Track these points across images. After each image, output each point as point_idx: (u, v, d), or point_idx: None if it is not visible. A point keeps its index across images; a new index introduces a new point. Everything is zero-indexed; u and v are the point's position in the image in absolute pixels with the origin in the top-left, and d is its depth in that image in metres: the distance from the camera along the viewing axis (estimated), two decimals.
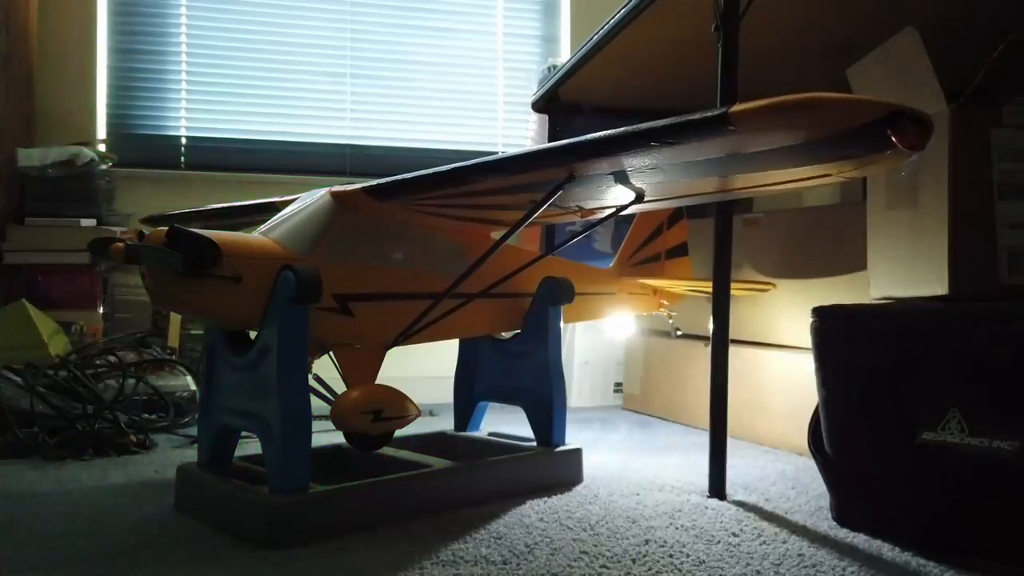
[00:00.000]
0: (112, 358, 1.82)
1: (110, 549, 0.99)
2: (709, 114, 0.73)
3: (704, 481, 1.31)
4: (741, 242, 1.73)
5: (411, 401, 1.16)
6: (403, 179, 1.08)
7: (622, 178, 0.94)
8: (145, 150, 2.48)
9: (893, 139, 0.71)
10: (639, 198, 1.03)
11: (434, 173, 1.03)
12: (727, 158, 0.82)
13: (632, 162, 0.86)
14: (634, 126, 0.80)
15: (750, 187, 1.00)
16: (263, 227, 1.18)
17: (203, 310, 1.07)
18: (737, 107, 0.71)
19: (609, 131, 0.82)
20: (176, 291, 1.03)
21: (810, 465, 1.48)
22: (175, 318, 2.21)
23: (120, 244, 1.03)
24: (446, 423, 1.58)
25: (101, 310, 2.20)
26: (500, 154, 0.98)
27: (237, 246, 1.07)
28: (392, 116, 2.66)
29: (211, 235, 1.04)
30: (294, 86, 2.61)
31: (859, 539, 1.06)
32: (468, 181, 1.00)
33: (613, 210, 1.11)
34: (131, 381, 1.76)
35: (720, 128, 0.73)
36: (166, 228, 1.02)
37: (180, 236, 1.01)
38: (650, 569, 0.94)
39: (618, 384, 2.40)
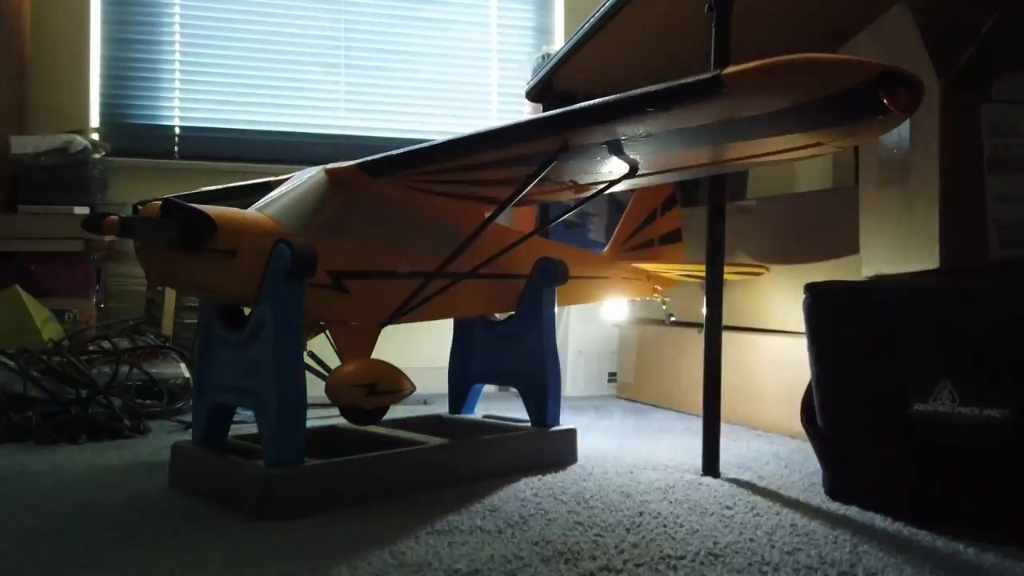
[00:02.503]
0: (106, 344, 1.82)
1: (105, 521, 0.99)
2: (703, 77, 0.74)
3: (697, 462, 1.32)
4: (733, 229, 1.73)
5: (406, 376, 1.16)
6: (398, 154, 1.08)
7: (616, 148, 0.95)
8: (138, 139, 2.48)
9: (884, 101, 0.71)
10: (633, 171, 1.03)
11: (429, 147, 1.03)
12: (720, 124, 0.83)
13: (627, 130, 0.87)
14: (629, 92, 0.81)
15: (743, 158, 1.01)
16: (258, 204, 1.19)
17: (197, 284, 1.07)
18: (730, 69, 0.72)
19: (604, 98, 0.83)
20: (170, 265, 1.03)
21: (803, 447, 1.49)
22: (169, 307, 2.21)
23: (114, 217, 1.03)
24: (441, 409, 1.58)
25: (95, 299, 2.19)
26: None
27: (232, 220, 1.07)
28: (386, 106, 2.66)
29: (206, 209, 1.05)
30: (288, 76, 2.61)
31: (852, 511, 1.07)
32: (463, 154, 1.01)
33: (607, 184, 1.11)
34: (124, 367, 1.75)
35: (714, 91, 0.74)
36: (160, 202, 1.03)
37: (174, 209, 1.02)
38: (644, 537, 0.94)
39: (612, 374, 2.41)
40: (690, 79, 0.75)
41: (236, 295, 1.09)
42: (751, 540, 0.93)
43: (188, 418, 1.75)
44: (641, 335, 2.24)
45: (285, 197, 1.18)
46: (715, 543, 0.92)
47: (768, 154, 0.96)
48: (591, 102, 0.84)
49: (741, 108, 0.77)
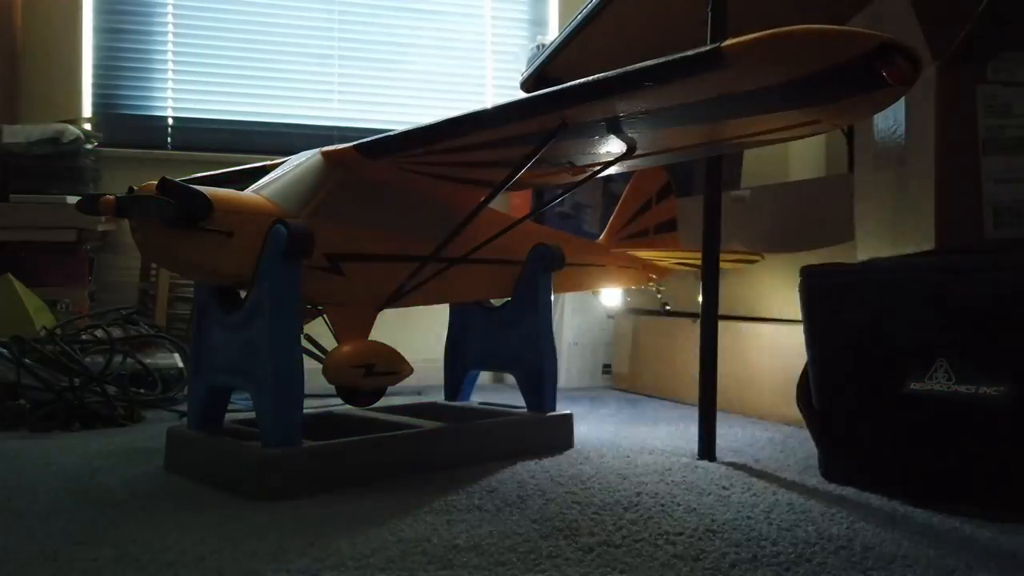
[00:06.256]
0: (100, 332, 1.81)
1: (101, 501, 0.99)
2: (702, 50, 0.74)
3: (693, 447, 1.32)
4: (728, 218, 1.74)
5: (403, 358, 1.16)
6: (395, 134, 1.08)
7: (614, 127, 0.95)
8: (131, 130, 2.46)
9: (883, 73, 0.72)
10: (631, 151, 1.03)
11: (427, 126, 1.03)
12: (719, 100, 0.83)
13: (625, 106, 0.87)
14: (628, 67, 0.81)
15: (740, 137, 1.01)
16: (254, 186, 1.18)
17: (193, 264, 1.06)
18: (730, 42, 0.72)
19: (603, 73, 0.83)
20: (166, 244, 1.03)
21: (799, 433, 1.50)
22: (162, 297, 2.20)
23: (110, 197, 1.02)
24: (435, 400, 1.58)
25: (88, 289, 2.17)
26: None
27: (228, 201, 1.06)
28: (380, 98, 2.66)
29: (201, 188, 1.04)
30: (282, 67, 2.60)
31: (848, 491, 1.07)
32: (461, 133, 1.01)
33: (604, 165, 1.11)
34: (118, 356, 1.74)
35: (713, 64, 0.74)
36: (156, 181, 1.02)
37: (170, 188, 1.01)
38: (642, 515, 0.94)
39: (607, 365, 2.41)
40: (690, 52, 0.75)
41: (232, 276, 1.09)
42: (748, 518, 0.94)
43: (183, 407, 1.75)
44: (636, 325, 2.24)
45: (281, 179, 1.18)
46: (713, 520, 0.92)
47: (766, 132, 0.96)
48: (590, 78, 0.84)
49: (740, 82, 0.77)
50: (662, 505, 0.99)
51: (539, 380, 1.39)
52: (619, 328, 2.33)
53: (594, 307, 2.36)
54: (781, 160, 2.80)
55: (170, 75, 2.52)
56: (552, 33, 2.81)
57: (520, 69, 2.56)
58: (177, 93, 2.52)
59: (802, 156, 2.75)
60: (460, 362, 1.54)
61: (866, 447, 1.09)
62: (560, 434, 1.39)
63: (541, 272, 1.41)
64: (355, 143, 1.13)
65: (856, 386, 1.09)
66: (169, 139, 2.51)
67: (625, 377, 2.27)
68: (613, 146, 1.04)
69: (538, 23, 2.82)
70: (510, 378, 2.42)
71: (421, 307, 1.35)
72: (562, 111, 0.90)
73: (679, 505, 0.99)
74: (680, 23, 1.50)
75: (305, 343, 1.19)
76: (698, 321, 1.29)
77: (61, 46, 2.41)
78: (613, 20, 1.73)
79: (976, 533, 0.88)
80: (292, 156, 1.27)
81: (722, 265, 1.34)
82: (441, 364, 1.54)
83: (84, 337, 1.80)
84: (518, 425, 1.35)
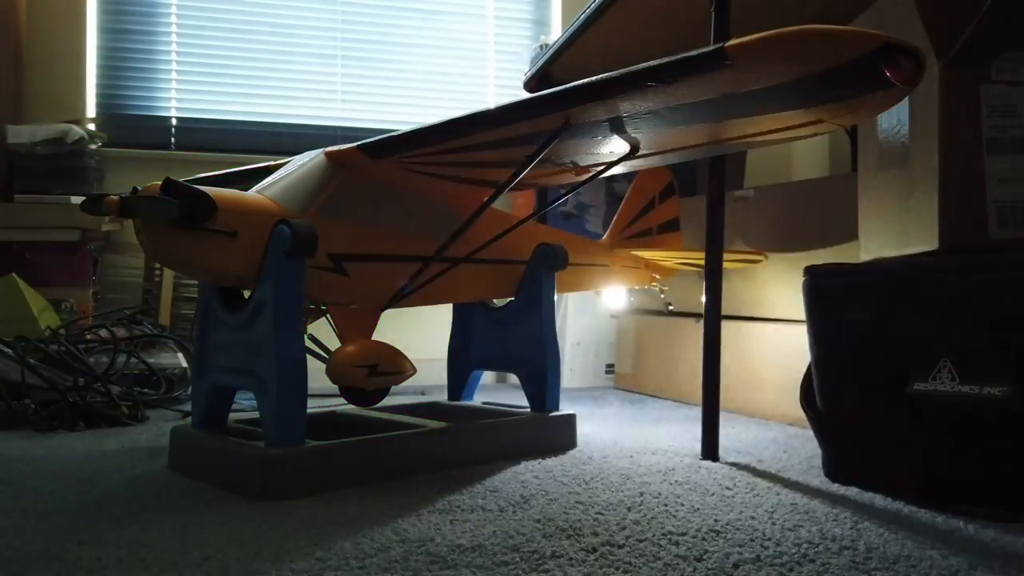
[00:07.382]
0: (104, 332, 1.81)
1: (105, 501, 0.99)
2: (706, 50, 0.74)
3: (696, 447, 1.32)
4: (731, 217, 1.74)
5: (406, 358, 1.16)
6: (398, 134, 1.08)
7: (618, 126, 0.95)
8: (135, 130, 2.47)
9: (887, 73, 0.72)
10: (634, 151, 1.03)
11: (430, 126, 1.03)
12: (722, 100, 0.83)
13: (629, 106, 0.87)
14: (631, 67, 0.81)
15: (744, 137, 1.01)
16: (258, 186, 1.18)
17: (197, 265, 1.07)
18: (733, 41, 0.72)
19: (606, 73, 0.83)
20: (171, 244, 1.03)
21: (802, 433, 1.50)
22: (166, 297, 2.20)
23: (114, 197, 1.02)
24: (439, 399, 1.58)
25: (92, 289, 2.18)
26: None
27: (232, 201, 1.07)
28: (383, 98, 2.66)
29: (206, 189, 1.04)
30: (285, 67, 2.60)
31: (852, 491, 1.07)
32: (464, 133, 1.01)
33: (607, 165, 1.11)
34: (122, 356, 1.75)
35: (717, 63, 0.74)
36: (160, 181, 1.02)
37: (174, 188, 1.01)
38: (645, 515, 0.94)
39: (609, 365, 2.41)
40: (693, 52, 0.75)
41: (236, 276, 1.09)
42: (752, 518, 0.94)
43: (186, 407, 1.75)
44: (639, 325, 2.24)
45: (285, 179, 1.18)
46: (716, 520, 0.92)
47: (769, 132, 0.96)
48: (593, 78, 0.84)
49: (744, 82, 0.77)
50: (665, 505, 0.99)
51: (542, 380, 1.39)
52: (622, 328, 2.33)
53: (597, 307, 2.36)
54: (785, 160, 2.79)
55: (174, 75, 2.52)
56: (555, 33, 2.81)
57: (523, 69, 2.55)
58: (181, 93, 2.52)
59: (806, 156, 2.75)
60: (463, 362, 1.54)
61: (870, 447, 1.08)
62: (563, 434, 1.39)
63: (544, 272, 1.41)
64: (358, 143, 1.14)
65: (859, 386, 1.09)
66: (173, 139, 2.52)
67: (628, 377, 2.27)
68: (616, 146, 1.04)
69: (541, 23, 2.82)
70: (513, 378, 2.42)
71: (424, 307, 1.35)
72: (565, 111, 0.90)
73: (682, 505, 0.99)
74: (684, 23, 1.51)
75: (309, 343, 1.19)
76: (701, 321, 1.29)
77: (65, 46, 2.41)
78: (616, 20, 1.73)
79: (980, 533, 0.88)
80: (296, 156, 1.27)
81: (725, 265, 1.33)
82: (444, 364, 1.55)
83: (88, 337, 1.81)
84: (521, 425, 1.35)
